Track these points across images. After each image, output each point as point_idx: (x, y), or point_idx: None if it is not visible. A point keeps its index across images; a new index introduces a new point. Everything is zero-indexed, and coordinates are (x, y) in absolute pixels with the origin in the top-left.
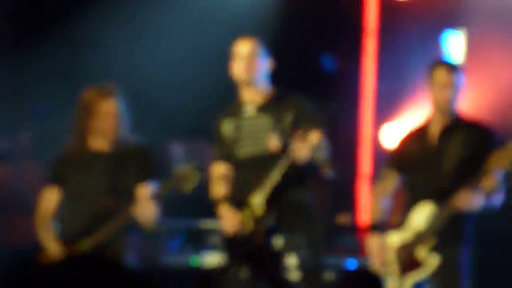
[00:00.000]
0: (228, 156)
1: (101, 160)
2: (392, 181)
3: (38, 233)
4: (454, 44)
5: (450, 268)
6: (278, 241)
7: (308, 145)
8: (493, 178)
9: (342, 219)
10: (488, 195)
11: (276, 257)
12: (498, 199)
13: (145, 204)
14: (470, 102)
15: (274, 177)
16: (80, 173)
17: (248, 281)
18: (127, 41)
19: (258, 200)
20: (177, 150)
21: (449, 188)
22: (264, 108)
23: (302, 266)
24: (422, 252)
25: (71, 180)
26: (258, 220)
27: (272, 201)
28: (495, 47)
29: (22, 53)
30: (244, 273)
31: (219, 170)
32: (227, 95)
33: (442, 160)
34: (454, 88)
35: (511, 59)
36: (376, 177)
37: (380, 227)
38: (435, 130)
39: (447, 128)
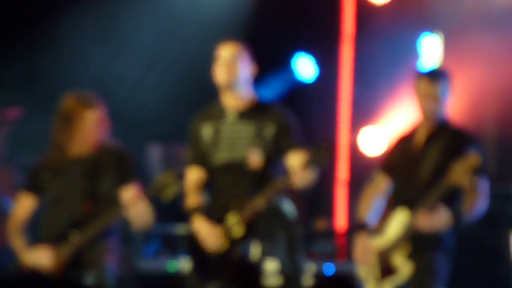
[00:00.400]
0: (202, 159)
1: (78, 166)
2: (382, 184)
3: (11, 240)
4: (431, 48)
5: (424, 274)
6: (254, 251)
7: (311, 174)
8: (473, 190)
9: (320, 224)
10: (471, 207)
11: (252, 272)
12: (480, 207)
13: (137, 204)
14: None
15: (258, 203)
16: (58, 180)
17: None
18: (98, 43)
19: (235, 220)
20: (154, 153)
21: (423, 195)
22: (245, 115)
23: (282, 271)
24: (397, 259)
25: (48, 187)
26: (234, 241)
27: (252, 225)
28: (471, 50)
29: None
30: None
31: (193, 176)
32: (202, 96)
33: (420, 167)
34: (437, 97)
35: (486, 63)
36: (354, 181)
37: (366, 227)
38: (420, 137)
39: (432, 135)
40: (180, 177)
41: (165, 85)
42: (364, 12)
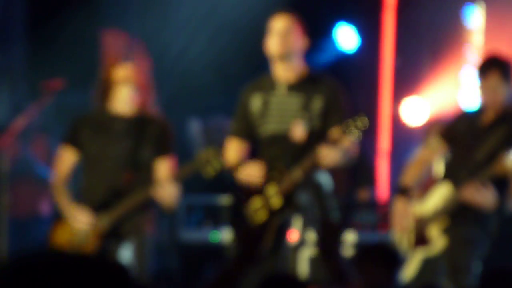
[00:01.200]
0: (247, 131)
1: (122, 124)
2: (437, 150)
3: (55, 197)
4: (473, 18)
5: (460, 246)
6: (295, 223)
7: (338, 153)
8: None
9: (363, 194)
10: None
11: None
12: None
13: (166, 186)
14: None
15: (296, 174)
16: (99, 135)
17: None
18: (141, 15)
19: (274, 191)
20: (195, 127)
21: (475, 175)
22: (295, 87)
23: (319, 242)
24: (433, 231)
25: (88, 142)
26: (272, 212)
27: (291, 196)
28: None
29: (38, 30)
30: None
31: (233, 149)
32: (246, 68)
33: (480, 148)
34: (505, 91)
35: None
36: (396, 152)
37: (408, 192)
38: (487, 118)
39: (498, 119)
40: (221, 154)
41: (209, 56)
42: None
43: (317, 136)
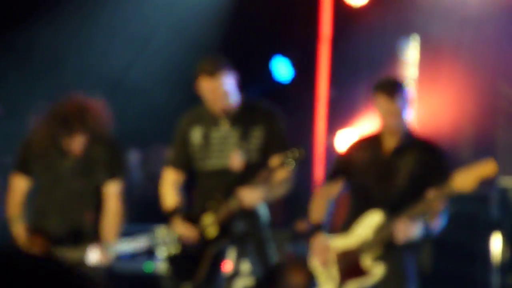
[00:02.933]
0: (185, 162)
1: (71, 163)
2: (337, 186)
3: (10, 224)
4: (408, 50)
5: (396, 276)
6: (230, 253)
7: (259, 192)
8: (440, 203)
9: (300, 226)
10: (431, 219)
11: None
12: (438, 224)
13: (98, 252)
14: (422, 108)
15: (232, 204)
16: (49, 172)
17: None
18: (79, 45)
19: (210, 221)
20: (133, 157)
21: (401, 201)
22: (235, 119)
23: (253, 273)
24: (367, 260)
25: (38, 176)
26: (207, 242)
27: (226, 226)
28: (448, 53)
29: None
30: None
31: (170, 177)
32: (179, 99)
33: (395, 173)
34: (398, 112)
35: (463, 66)
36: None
37: (324, 227)
38: (388, 145)
39: (400, 146)
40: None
41: (145, 86)
42: (342, 15)
43: (255, 167)
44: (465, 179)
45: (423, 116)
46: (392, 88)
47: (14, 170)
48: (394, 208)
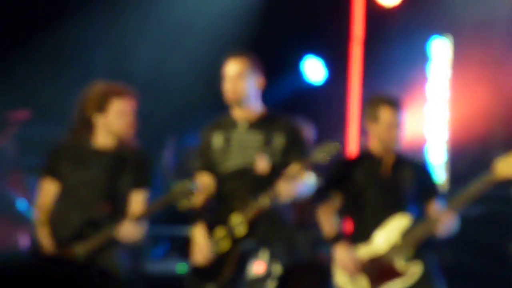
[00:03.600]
0: (211, 167)
1: (103, 159)
2: (337, 201)
3: (37, 229)
4: (440, 51)
5: (425, 276)
6: (253, 268)
7: (295, 186)
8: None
9: None
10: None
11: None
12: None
13: (129, 226)
14: (454, 109)
15: (262, 202)
16: (78, 169)
17: None
18: (109, 46)
19: (239, 220)
20: (170, 148)
21: (410, 207)
22: (255, 125)
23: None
24: (401, 262)
25: (67, 175)
26: (236, 241)
27: (255, 224)
28: (479, 53)
29: (3, 62)
30: None
31: (202, 181)
32: (210, 99)
33: (399, 185)
34: (399, 127)
35: (493, 67)
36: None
37: (343, 237)
38: (386, 161)
39: (397, 161)
40: (197, 188)
41: (175, 88)
42: (374, 15)
43: (278, 171)
44: (509, 164)
45: (455, 116)
46: (397, 102)
47: (44, 174)
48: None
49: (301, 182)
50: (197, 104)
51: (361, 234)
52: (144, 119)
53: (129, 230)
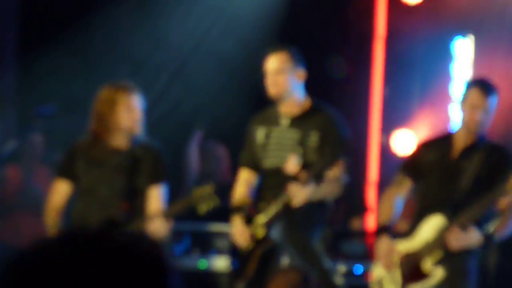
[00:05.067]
0: (254, 162)
1: (116, 158)
2: (405, 187)
3: (47, 228)
4: (463, 50)
5: (458, 277)
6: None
7: (308, 190)
8: (509, 208)
9: (356, 224)
10: (503, 227)
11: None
12: (507, 230)
13: (157, 221)
14: None
15: (279, 205)
16: (93, 169)
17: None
18: (135, 42)
19: (261, 222)
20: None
21: (464, 203)
22: (296, 121)
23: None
24: (428, 263)
25: (83, 175)
26: (257, 242)
27: (275, 225)
28: (502, 53)
29: (28, 55)
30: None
31: (243, 177)
32: (231, 99)
33: (460, 176)
34: (485, 111)
35: None
36: (385, 182)
37: (388, 230)
38: (458, 146)
39: (470, 147)
40: (217, 192)
41: (199, 83)
42: (397, 13)
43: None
44: None
45: None
46: (488, 87)
47: (57, 175)
48: (457, 211)
49: (323, 184)
50: (218, 105)
51: (414, 226)
52: (171, 109)
53: (159, 226)
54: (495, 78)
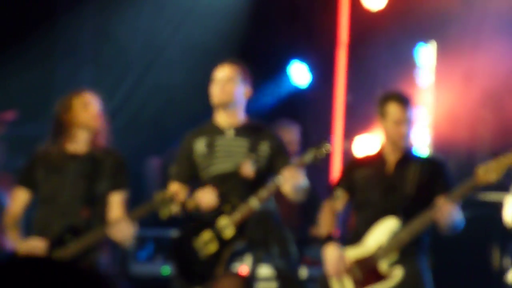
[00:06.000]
0: (186, 176)
1: (75, 163)
2: (341, 200)
3: (7, 235)
4: (425, 56)
5: (414, 278)
6: (246, 260)
7: (300, 175)
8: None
9: (315, 231)
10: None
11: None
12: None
13: (121, 224)
14: (438, 114)
15: (253, 203)
16: (53, 176)
17: None
18: (99, 44)
19: (226, 222)
20: (153, 165)
21: (410, 209)
22: (240, 132)
23: (279, 276)
24: (384, 265)
25: (43, 183)
26: (224, 244)
27: (244, 226)
28: (464, 59)
29: None
30: None
31: (173, 189)
32: (196, 105)
33: (401, 185)
34: (408, 123)
35: (479, 72)
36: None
37: (333, 238)
38: (391, 160)
39: (403, 159)
40: (177, 195)
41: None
42: (360, 20)
43: (263, 177)
44: (489, 170)
45: (440, 122)
46: (405, 99)
47: (17, 183)
48: (405, 216)
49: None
50: (183, 112)
51: (359, 235)
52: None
53: (123, 229)
54: (457, 83)
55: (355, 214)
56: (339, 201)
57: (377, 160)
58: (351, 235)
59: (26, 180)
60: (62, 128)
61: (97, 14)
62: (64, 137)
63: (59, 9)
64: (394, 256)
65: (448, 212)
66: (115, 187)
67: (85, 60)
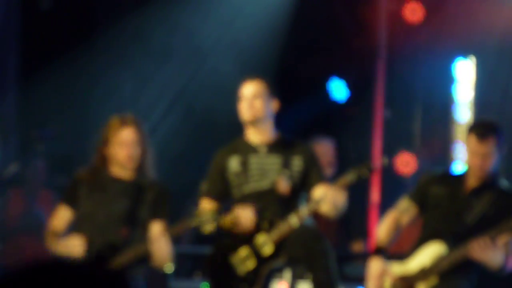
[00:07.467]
0: (218, 193)
1: (120, 185)
2: (409, 213)
3: (49, 247)
4: (464, 71)
5: None
6: (286, 275)
7: (344, 196)
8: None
9: (357, 247)
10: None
11: None
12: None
13: (160, 241)
14: None
15: (293, 221)
16: (96, 194)
17: None
18: (133, 65)
19: (265, 239)
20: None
21: (467, 237)
22: (273, 148)
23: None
24: (421, 287)
25: (84, 200)
26: (262, 261)
27: (283, 243)
28: (503, 75)
29: (29, 79)
30: None
31: (204, 207)
32: (231, 120)
33: (467, 212)
34: (485, 156)
35: None
36: (387, 204)
37: (384, 252)
38: (469, 185)
39: (481, 187)
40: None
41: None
42: (398, 34)
43: (298, 192)
44: None
45: None
46: (485, 131)
47: (61, 200)
48: (459, 243)
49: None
50: (219, 125)
51: (415, 249)
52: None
53: (163, 246)
54: (496, 99)
55: (421, 231)
56: (407, 214)
57: (457, 181)
58: (411, 249)
59: (69, 198)
60: (100, 157)
61: (137, 29)
62: (104, 164)
63: (99, 24)
64: (433, 281)
65: (485, 252)
66: (155, 216)
67: (125, 77)
